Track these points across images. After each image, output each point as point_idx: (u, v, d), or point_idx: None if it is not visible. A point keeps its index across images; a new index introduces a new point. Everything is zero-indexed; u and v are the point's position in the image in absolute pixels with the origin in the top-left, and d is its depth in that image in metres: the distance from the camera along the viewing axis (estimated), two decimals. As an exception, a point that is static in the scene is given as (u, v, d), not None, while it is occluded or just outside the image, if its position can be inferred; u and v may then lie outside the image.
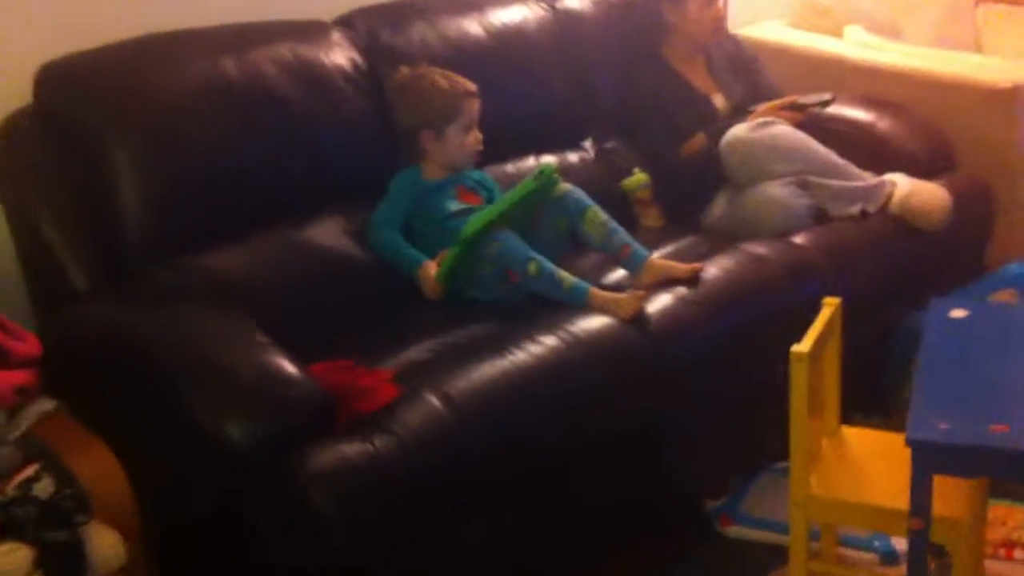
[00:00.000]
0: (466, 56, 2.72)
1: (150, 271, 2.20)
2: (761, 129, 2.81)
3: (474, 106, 2.52)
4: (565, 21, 3.01)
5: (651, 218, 2.94)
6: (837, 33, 3.70)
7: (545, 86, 2.92)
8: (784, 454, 1.97)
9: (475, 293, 2.40)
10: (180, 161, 2.26)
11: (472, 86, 2.52)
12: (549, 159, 2.89)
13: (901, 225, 2.80)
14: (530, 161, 2.86)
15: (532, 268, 2.28)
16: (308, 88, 2.45)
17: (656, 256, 2.52)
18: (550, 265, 2.30)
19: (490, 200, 2.59)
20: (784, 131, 2.81)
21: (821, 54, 3.56)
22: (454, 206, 2.50)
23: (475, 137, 2.53)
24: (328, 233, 2.43)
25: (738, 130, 2.83)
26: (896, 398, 2.72)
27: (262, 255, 2.32)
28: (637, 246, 2.41)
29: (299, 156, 2.42)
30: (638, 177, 2.94)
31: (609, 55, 3.09)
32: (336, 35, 2.59)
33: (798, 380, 1.91)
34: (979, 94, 3.18)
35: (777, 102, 2.96)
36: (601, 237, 2.41)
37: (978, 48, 3.81)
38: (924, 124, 3.13)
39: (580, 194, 2.44)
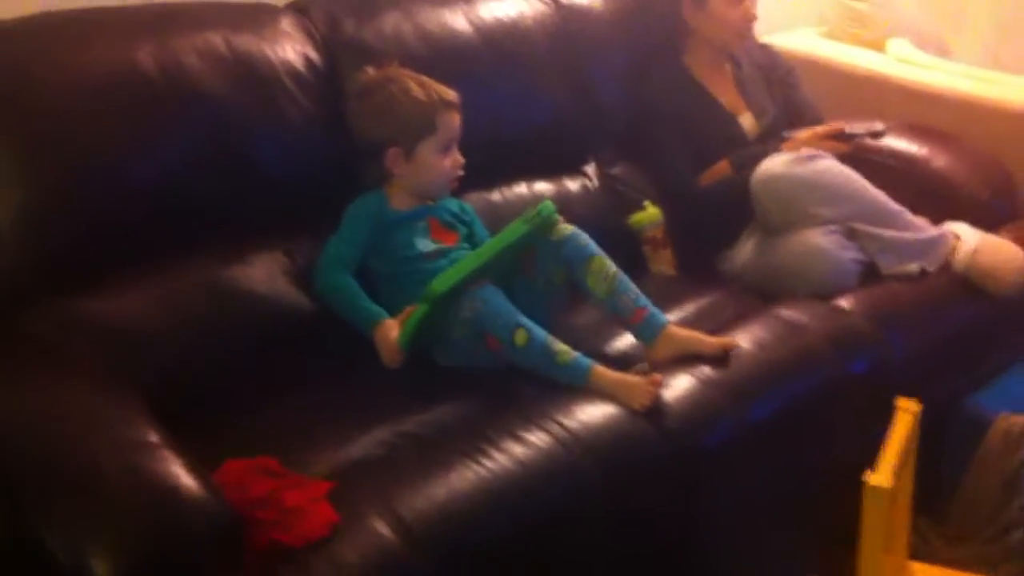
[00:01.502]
0: (447, 56, 2.22)
1: (14, 319, 1.68)
2: (803, 164, 2.30)
3: (454, 120, 2.00)
4: (569, 18, 2.50)
5: (663, 262, 2.44)
6: (878, 47, 3.21)
7: (542, 96, 2.41)
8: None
9: (443, 358, 1.89)
10: (65, 173, 1.75)
11: (452, 95, 2.00)
12: (544, 187, 2.38)
13: (965, 287, 2.31)
14: (521, 188, 2.35)
15: (520, 337, 1.77)
16: (244, 87, 1.93)
17: (674, 321, 2.03)
18: (542, 333, 1.79)
19: (469, 237, 2.08)
20: (830, 167, 2.31)
21: (860, 70, 3.06)
22: (425, 245, 1.99)
23: (454, 159, 2.02)
24: (262, 273, 1.91)
25: (774, 163, 2.32)
26: (952, 498, 2.25)
27: (170, 301, 1.80)
28: (653, 309, 1.91)
29: (227, 173, 1.91)
30: (649, 212, 2.44)
31: (619, 61, 2.58)
32: (287, 23, 2.07)
33: (874, 517, 1.44)
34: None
35: (820, 129, 2.46)
36: (608, 294, 1.90)
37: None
38: (986, 161, 2.64)
39: (583, 239, 1.94)
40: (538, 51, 2.40)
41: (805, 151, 2.33)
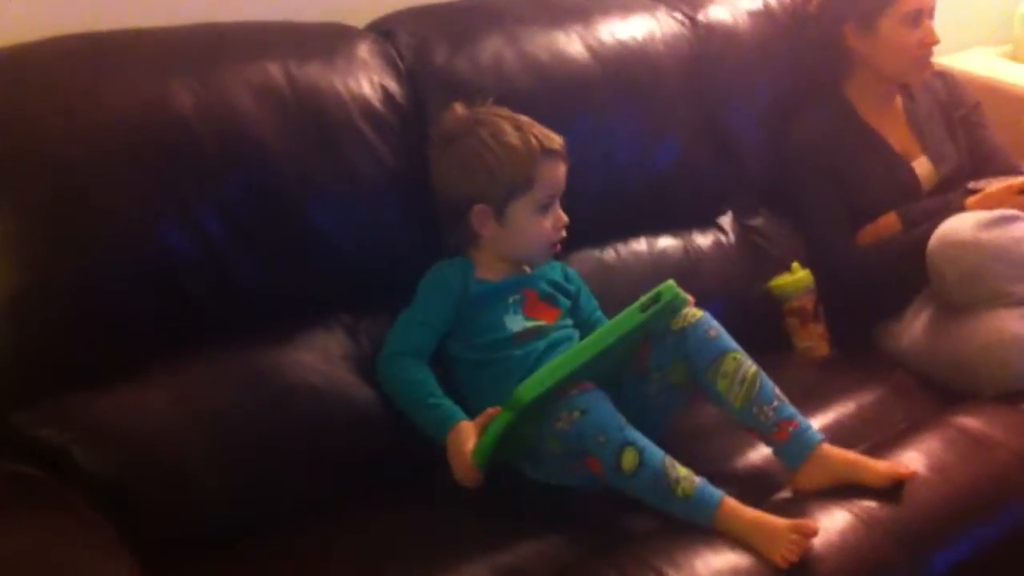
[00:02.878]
0: (558, 89, 1.84)
1: (10, 422, 1.38)
2: (996, 227, 1.84)
3: (557, 172, 1.63)
4: (707, 41, 2.09)
5: (812, 338, 2.01)
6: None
7: (670, 135, 2.00)
8: None
9: (530, 470, 1.52)
10: (75, 246, 1.43)
11: (557, 141, 1.63)
12: (668, 243, 1.98)
13: None
14: (640, 245, 1.96)
15: (628, 460, 1.39)
16: (305, 131, 1.59)
17: (827, 427, 1.62)
18: (657, 455, 1.40)
19: (573, 310, 1.70)
20: (1031, 235, 1.85)
21: None
22: (517, 323, 1.62)
23: (555, 218, 1.64)
24: (316, 359, 1.56)
25: (959, 225, 1.87)
26: None
27: (200, 397, 1.47)
28: (803, 422, 1.50)
29: (279, 239, 1.57)
30: (797, 276, 2.01)
31: (765, 93, 2.16)
32: (365, 49, 1.72)
33: None
34: None
35: (1016, 181, 1.99)
36: (744, 404, 1.50)
37: None
38: None
39: (713, 328, 1.54)
40: (669, 81, 2.01)
41: (998, 210, 1.87)
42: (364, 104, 1.66)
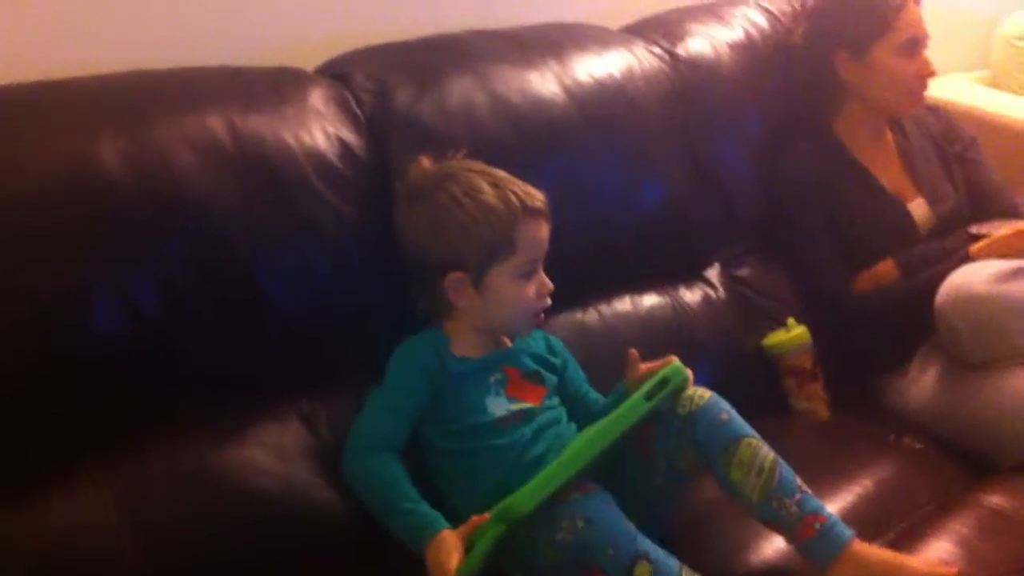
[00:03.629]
0: (533, 133, 1.66)
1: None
2: (1013, 280, 1.70)
3: (540, 233, 1.45)
4: (689, 77, 1.93)
5: (810, 401, 1.85)
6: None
7: (654, 176, 1.83)
8: None
9: (524, 579, 1.33)
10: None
11: (539, 199, 1.44)
12: (653, 302, 1.81)
13: None
14: (623, 304, 1.78)
15: (642, 574, 1.20)
16: (251, 190, 1.39)
17: (846, 509, 1.45)
18: (674, 568, 1.22)
19: (560, 387, 1.51)
20: (1051, 286, 1.71)
21: None
22: (499, 406, 1.42)
23: (540, 285, 1.45)
24: (267, 455, 1.35)
25: (974, 278, 1.72)
26: None
27: (132, 502, 1.25)
28: (831, 516, 1.32)
29: (225, 312, 1.36)
30: (794, 334, 1.85)
31: (751, 130, 2.00)
32: (318, 95, 1.52)
33: None
34: None
35: (1024, 225, 1.85)
36: (764, 494, 1.32)
37: None
38: None
39: (724, 411, 1.36)
40: (650, 119, 1.84)
41: (1014, 261, 1.73)
42: (319, 159, 1.45)
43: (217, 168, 1.36)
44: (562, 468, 1.23)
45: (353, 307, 1.47)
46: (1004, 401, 1.67)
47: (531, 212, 1.43)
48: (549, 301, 1.48)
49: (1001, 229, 1.85)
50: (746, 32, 2.05)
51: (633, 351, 1.42)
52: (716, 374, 1.66)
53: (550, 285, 1.46)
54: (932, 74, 1.96)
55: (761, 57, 2.04)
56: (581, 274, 1.69)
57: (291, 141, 1.43)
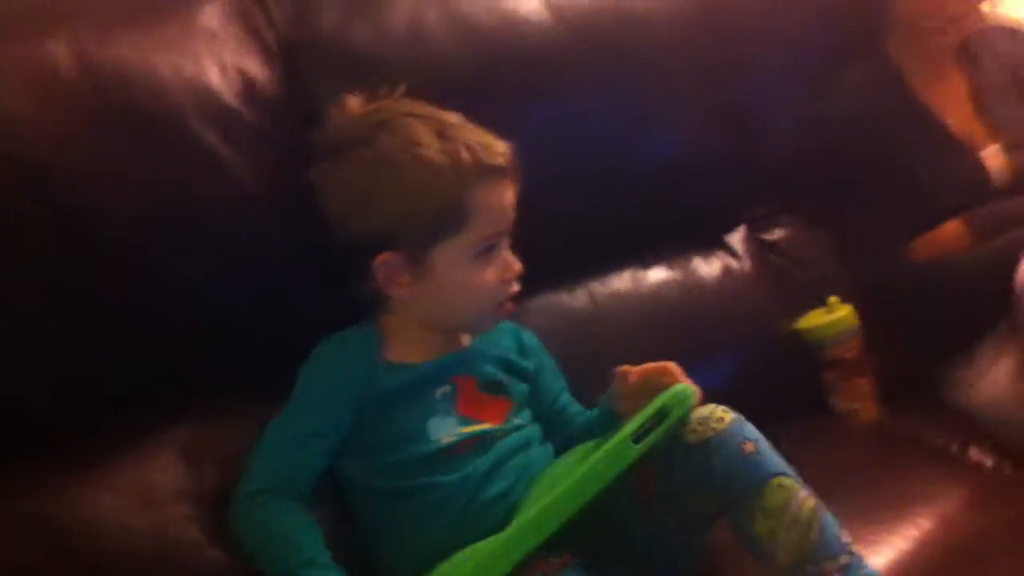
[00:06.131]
0: (507, 65, 1.30)
1: None
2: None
3: (503, 199, 1.08)
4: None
5: (858, 398, 1.49)
6: None
7: (667, 121, 1.47)
8: None
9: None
10: None
11: (501, 152, 1.08)
12: (661, 276, 1.44)
13: None
14: (623, 280, 1.42)
15: None
16: (107, 143, 1.03)
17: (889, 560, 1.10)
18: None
19: (533, 397, 1.17)
20: None
21: None
22: (448, 430, 1.07)
23: (503, 267, 1.10)
24: (130, 501, 1.01)
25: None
26: None
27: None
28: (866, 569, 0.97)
29: (78, 301, 1.02)
30: (838, 316, 1.49)
31: (786, 62, 1.62)
32: (213, 14, 1.15)
33: None
34: None
35: None
36: (798, 553, 0.96)
37: None
38: None
39: (750, 441, 1.00)
40: (664, 48, 1.46)
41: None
42: (210, 100, 1.10)
43: (60, 116, 1.00)
44: (520, 534, 0.89)
45: (256, 295, 1.12)
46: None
47: (489, 172, 1.06)
48: (516, 287, 1.12)
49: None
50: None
51: (622, 370, 1.06)
52: (739, 370, 1.37)
53: (517, 266, 1.11)
54: None
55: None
56: (568, 244, 1.34)
57: (170, 76, 1.07)
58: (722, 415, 1.01)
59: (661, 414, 0.94)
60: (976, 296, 1.48)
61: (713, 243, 1.53)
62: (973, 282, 1.49)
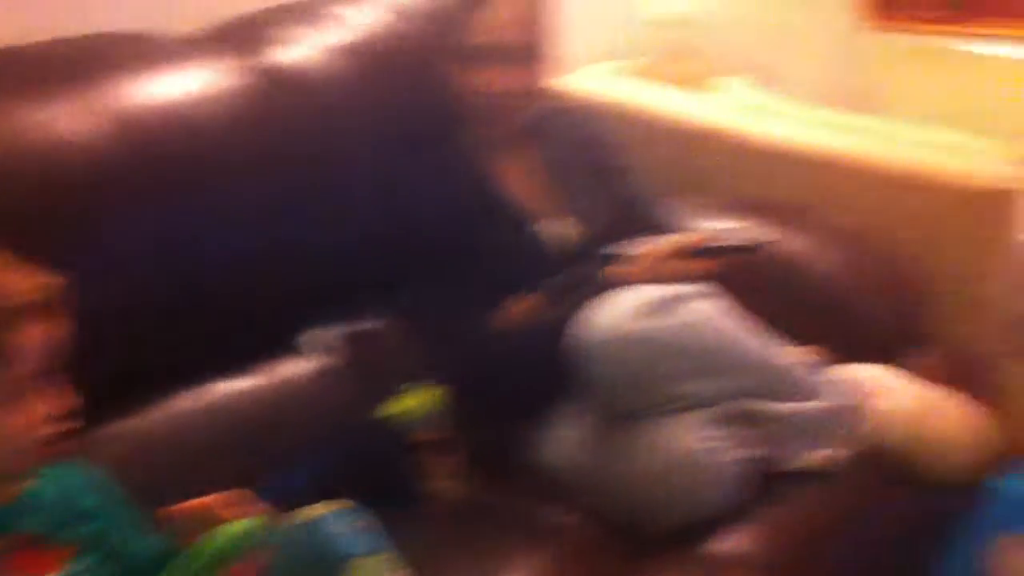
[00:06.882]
0: (60, 192, 1.26)
1: None
2: (660, 315, 1.48)
3: (32, 337, 1.03)
4: (285, 90, 1.58)
5: (444, 477, 1.54)
6: (700, 85, 2.45)
7: (238, 224, 1.48)
8: None
9: None
10: None
11: (26, 291, 1.03)
12: (238, 387, 1.45)
13: (895, 471, 1.57)
14: (186, 402, 1.40)
15: None
16: None
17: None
18: None
19: (100, 537, 1.11)
20: (701, 318, 1.51)
21: (696, 126, 2.24)
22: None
23: (37, 405, 1.04)
24: None
25: (614, 314, 1.49)
26: None
27: None
28: None
29: None
30: (424, 397, 1.53)
31: (367, 147, 1.68)
32: None
33: None
34: (949, 197, 1.94)
35: (675, 243, 1.63)
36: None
37: (868, 95, 2.57)
38: (885, 261, 1.91)
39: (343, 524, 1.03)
40: (225, 151, 1.47)
41: (656, 289, 1.51)
42: None
43: None
44: None
45: None
46: (649, 456, 1.44)
47: (15, 313, 1.02)
48: (67, 424, 1.08)
49: (646, 246, 1.63)
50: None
51: (164, 512, 1.06)
52: (332, 463, 1.37)
53: (65, 402, 1.06)
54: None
55: (371, 63, 1.71)
56: (136, 365, 1.31)
57: None
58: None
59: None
60: (549, 359, 1.54)
61: (298, 342, 1.55)
62: (545, 345, 1.55)
